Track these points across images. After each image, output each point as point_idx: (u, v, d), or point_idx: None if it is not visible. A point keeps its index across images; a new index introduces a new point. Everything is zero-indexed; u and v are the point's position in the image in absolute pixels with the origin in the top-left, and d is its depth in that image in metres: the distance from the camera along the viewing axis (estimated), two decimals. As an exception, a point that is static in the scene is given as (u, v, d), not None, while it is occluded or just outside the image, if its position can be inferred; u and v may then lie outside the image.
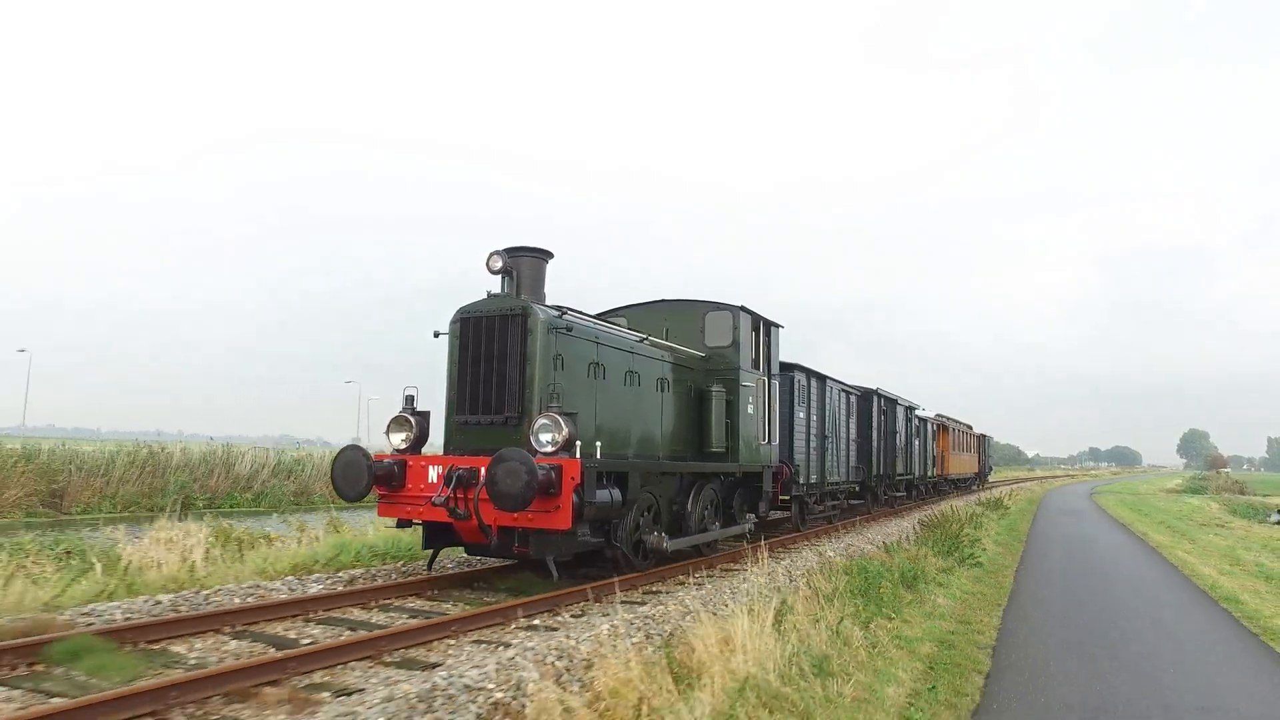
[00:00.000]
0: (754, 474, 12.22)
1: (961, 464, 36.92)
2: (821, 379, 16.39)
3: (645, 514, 9.50)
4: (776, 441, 13.10)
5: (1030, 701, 6.11)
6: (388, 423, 8.92)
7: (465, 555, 10.17)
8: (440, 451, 8.92)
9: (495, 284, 9.02)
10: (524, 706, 4.75)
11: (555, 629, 7.01)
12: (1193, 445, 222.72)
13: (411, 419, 8.88)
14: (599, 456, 8.36)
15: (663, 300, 12.30)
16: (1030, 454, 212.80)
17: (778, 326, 13.14)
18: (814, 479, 15.51)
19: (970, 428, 40.91)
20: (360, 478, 8.39)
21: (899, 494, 24.14)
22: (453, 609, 7.82)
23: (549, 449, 7.95)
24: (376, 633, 6.42)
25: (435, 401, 9.09)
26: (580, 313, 9.41)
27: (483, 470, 7.62)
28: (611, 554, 9.06)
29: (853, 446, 18.82)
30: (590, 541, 8.54)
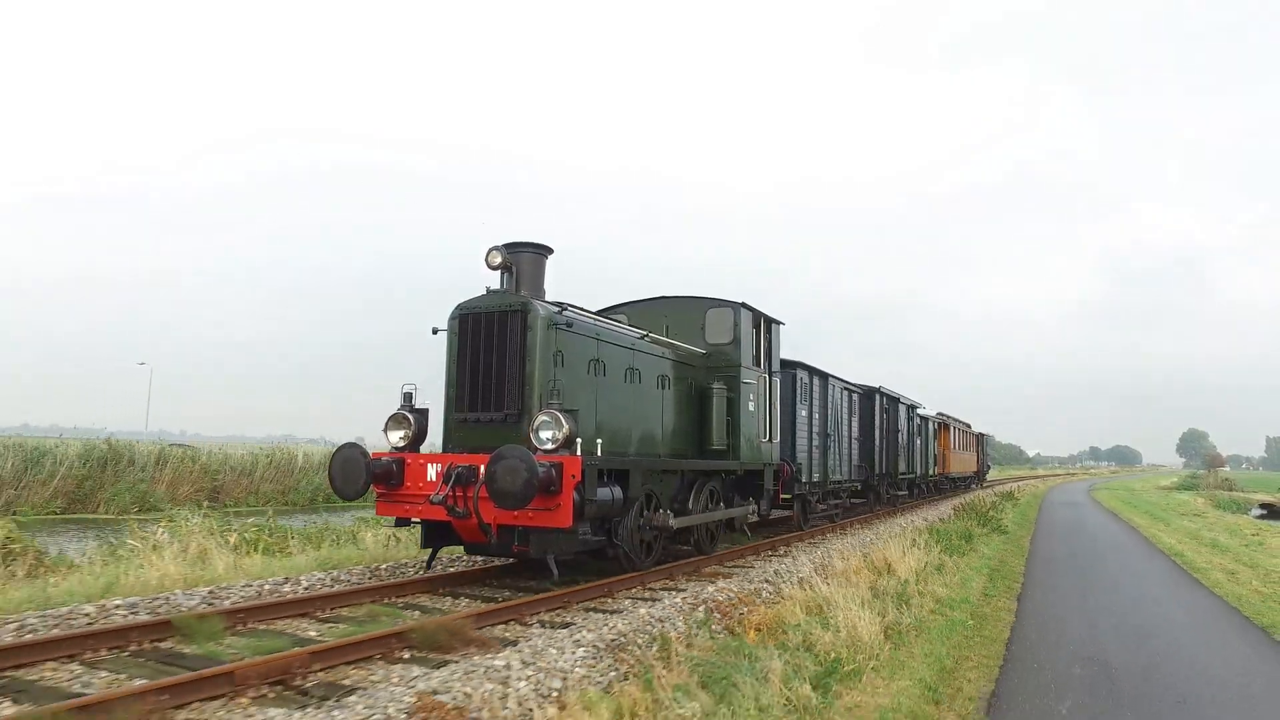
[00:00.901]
0: (755, 472, 12.07)
1: (962, 463, 36.74)
2: (824, 376, 16.23)
3: (645, 513, 9.34)
4: (778, 439, 12.95)
5: (1049, 591, 11.01)
6: (385, 420, 8.78)
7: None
8: (439, 449, 8.79)
9: (494, 280, 8.88)
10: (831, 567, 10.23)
11: (783, 555, 11.72)
12: (1192, 445, 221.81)
13: (410, 416, 8.73)
14: (599, 454, 8.23)
15: (663, 297, 12.15)
16: (1031, 453, 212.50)
17: (778, 323, 12.99)
18: (816, 478, 15.35)
19: (969, 426, 40.73)
20: (358, 476, 8.24)
21: (901, 493, 23.95)
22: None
23: (549, 446, 7.81)
24: (724, 551, 11.22)
25: (434, 399, 8.98)
26: (581, 309, 9.27)
27: (482, 468, 7.49)
28: (613, 553, 8.91)
29: (855, 445, 18.65)
30: (591, 540, 8.40)
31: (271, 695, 5.06)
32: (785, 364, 13.95)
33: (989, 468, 52.78)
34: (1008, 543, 16.25)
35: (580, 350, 8.87)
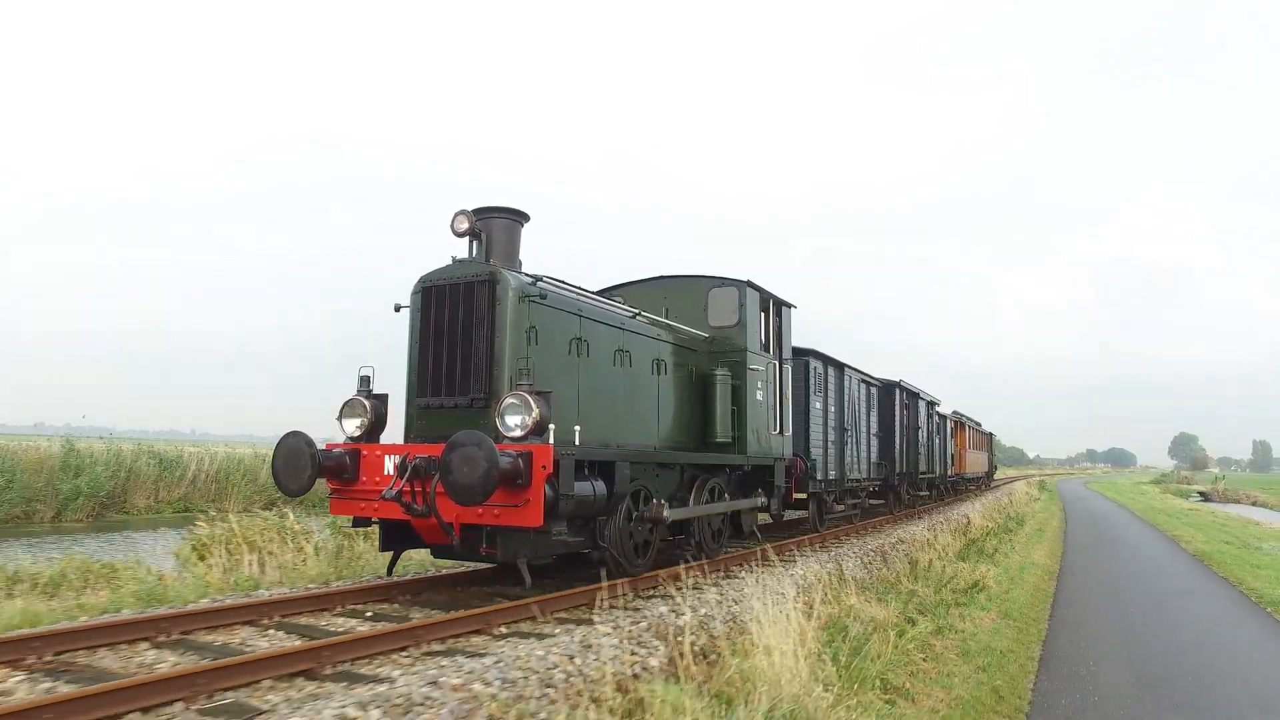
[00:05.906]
0: (765, 468, 10.34)
1: (976, 463, 34.58)
2: (840, 366, 14.38)
3: (637, 509, 7.66)
4: (790, 433, 11.20)
5: (1073, 506, 35.70)
6: (340, 407, 7.22)
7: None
8: (401, 439, 7.22)
9: (462, 248, 7.32)
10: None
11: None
12: (1183, 448, 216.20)
13: (366, 403, 7.15)
14: (578, 443, 6.62)
15: (661, 276, 10.43)
16: (1032, 455, 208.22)
17: (790, 307, 11.25)
18: (833, 475, 13.52)
19: (980, 425, 38.54)
20: (303, 469, 6.68)
21: (922, 493, 21.92)
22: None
23: (518, 433, 6.23)
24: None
25: (397, 384, 7.41)
26: (563, 282, 7.68)
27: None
28: (598, 555, 7.25)
29: (874, 441, 16.69)
30: (571, 542, 6.78)
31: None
32: (797, 352, 12.17)
33: (995, 467, 50.83)
34: (1053, 496, 40.26)
35: (559, 327, 7.26)
